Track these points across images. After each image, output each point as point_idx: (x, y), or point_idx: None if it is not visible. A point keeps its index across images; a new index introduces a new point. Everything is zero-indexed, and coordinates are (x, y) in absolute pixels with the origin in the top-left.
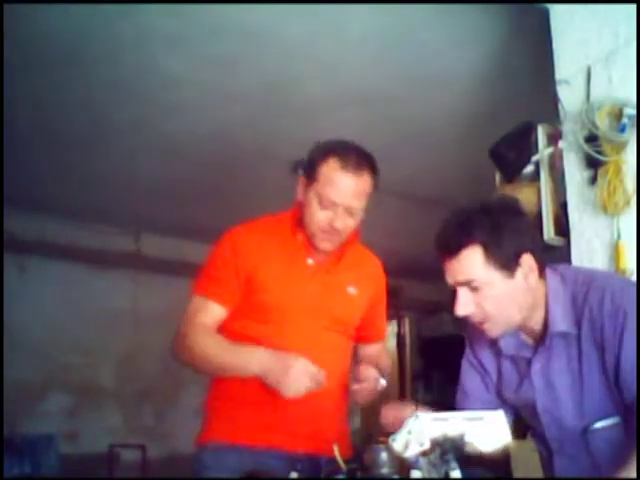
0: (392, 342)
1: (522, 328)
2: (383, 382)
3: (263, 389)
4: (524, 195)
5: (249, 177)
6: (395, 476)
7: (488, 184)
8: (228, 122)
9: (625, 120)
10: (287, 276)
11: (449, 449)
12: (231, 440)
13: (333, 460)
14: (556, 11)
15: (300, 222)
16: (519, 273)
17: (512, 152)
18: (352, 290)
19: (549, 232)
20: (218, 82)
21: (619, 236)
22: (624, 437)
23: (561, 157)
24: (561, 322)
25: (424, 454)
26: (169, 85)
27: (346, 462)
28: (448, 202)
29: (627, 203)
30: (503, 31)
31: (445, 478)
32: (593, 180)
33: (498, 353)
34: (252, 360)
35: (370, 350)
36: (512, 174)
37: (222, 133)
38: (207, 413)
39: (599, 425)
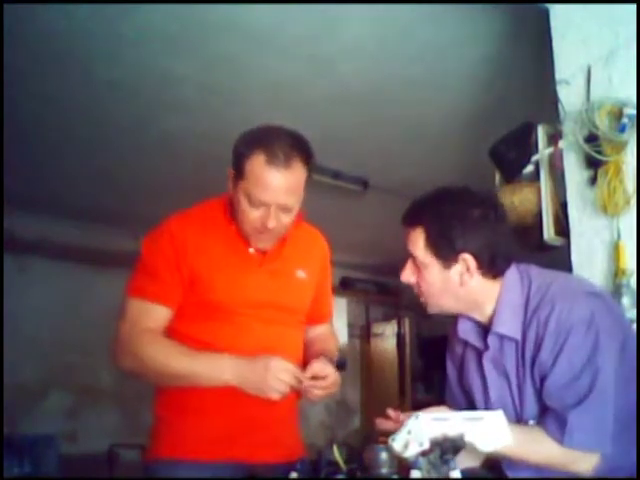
0: (392, 342)
1: (470, 318)
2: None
3: (219, 398)
4: (524, 195)
5: None
6: (395, 476)
7: (488, 184)
8: (228, 121)
9: (625, 120)
10: (232, 271)
11: (449, 449)
12: (188, 456)
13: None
14: (556, 11)
15: (234, 213)
16: (455, 269)
17: (512, 152)
18: (301, 274)
19: (549, 232)
20: (218, 82)
21: (619, 236)
22: None
23: (561, 157)
24: (504, 325)
25: (424, 454)
26: (169, 84)
27: (346, 462)
28: None
29: (627, 203)
30: (503, 31)
31: (445, 478)
32: (593, 180)
33: (465, 343)
34: (224, 368)
35: (317, 332)
36: (512, 174)
37: (222, 132)
38: (158, 425)
39: None
